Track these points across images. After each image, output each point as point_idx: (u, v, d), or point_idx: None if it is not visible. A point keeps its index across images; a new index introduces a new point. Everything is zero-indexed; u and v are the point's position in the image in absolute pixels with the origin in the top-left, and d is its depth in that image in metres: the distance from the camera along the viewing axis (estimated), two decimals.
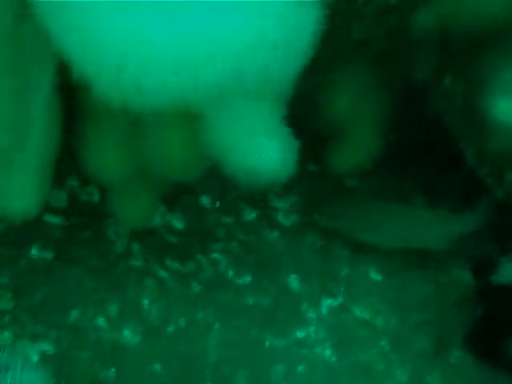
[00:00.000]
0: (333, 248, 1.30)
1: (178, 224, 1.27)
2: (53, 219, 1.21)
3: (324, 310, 1.22)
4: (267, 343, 1.16)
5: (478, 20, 1.15)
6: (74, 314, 1.13)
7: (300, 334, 1.18)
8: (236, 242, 1.28)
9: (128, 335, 1.13)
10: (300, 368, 1.13)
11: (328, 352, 1.16)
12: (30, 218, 0.97)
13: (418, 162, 1.40)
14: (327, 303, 1.23)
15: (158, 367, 1.11)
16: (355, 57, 1.26)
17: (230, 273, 1.24)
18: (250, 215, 1.32)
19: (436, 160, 1.38)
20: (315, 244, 1.31)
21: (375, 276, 1.27)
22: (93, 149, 1.03)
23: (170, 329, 1.15)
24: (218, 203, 1.27)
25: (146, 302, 1.16)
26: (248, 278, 1.23)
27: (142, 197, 1.10)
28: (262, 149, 0.90)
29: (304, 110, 1.21)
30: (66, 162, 1.25)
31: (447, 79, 1.27)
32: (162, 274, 1.20)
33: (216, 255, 1.25)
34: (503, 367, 1.18)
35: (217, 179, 1.33)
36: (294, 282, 1.24)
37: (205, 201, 1.32)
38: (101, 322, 1.13)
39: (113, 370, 1.09)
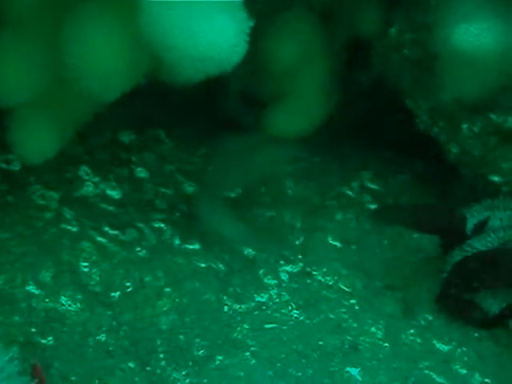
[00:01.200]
0: (283, 218, 1.19)
1: (114, 193, 1.13)
2: None
3: (283, 276, 1.09)
4: (226, 308, 1.02)
5: None
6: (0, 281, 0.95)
7: (261, 299, 1.04)
8: (179, 213, 1.15)
9: (66, 303, 0.96)
10: (268, 326, 0.99)
11: (295, 312, 1.03)
12: None
13: (366, 133, 1.32)
14: (286, 269, 1.10)
15: (103, 337, 0.94)
16: (299, 2, 1.18)
17: (176, 241, 1.10)
18: (190, 188, 1.20)
19: (386, 130, 1.31)
20: (263, 215, 1.19)
21: (334, 242, 1.16)
22: None
23: (115, 295, 0.99)
24: None
25: (84, 267, 1.00)
26: (197, 245, 1.09)
27: (48, 123, 0.93)
28: (211, 23, 0.77)
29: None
30: None
31: (393, 29, 1.20)
32: (100, 239, 1.05)
33: (159, 224, 1.11)
34: (475, 322, 1.08)
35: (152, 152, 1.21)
36: (247, 249, 1.11)
37: (141, 173, 1.19)
38: (32, 288, 0.95)
39: (50, 338, 0.92)
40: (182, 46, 0.77)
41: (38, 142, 0.95)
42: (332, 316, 1.04)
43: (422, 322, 1.08)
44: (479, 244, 1.11)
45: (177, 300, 1.01)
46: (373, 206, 1.26)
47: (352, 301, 1.08)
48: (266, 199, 1.23)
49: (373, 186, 1.29)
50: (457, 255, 1.12)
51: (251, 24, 0.79)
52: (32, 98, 0.90)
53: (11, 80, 0.89)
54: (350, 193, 1.27)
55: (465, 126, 1.17)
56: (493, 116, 1.14)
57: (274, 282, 1.09)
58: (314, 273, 1.12)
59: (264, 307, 1.04)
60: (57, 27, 0.85)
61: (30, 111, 0.94)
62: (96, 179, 1.14)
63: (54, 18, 0.85)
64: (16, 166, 1.10)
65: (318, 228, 1.19)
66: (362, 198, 1.26)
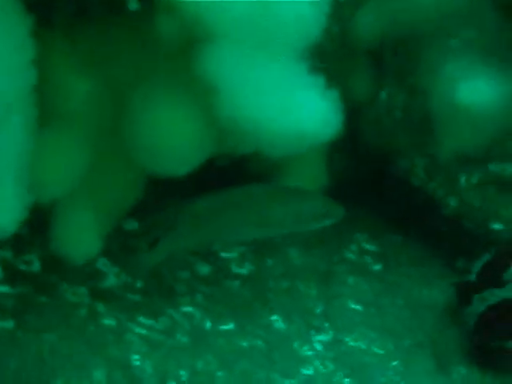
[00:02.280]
0: (298, 287, 1.19)
1: (136, 283, 1.11)
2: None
3: (318, 346, 1.09)
4: None
5: (413, 21, 1.14)
6: None
7: (307, 371, 1.04)
8: (201, 295, 1.13)
9: None
10: None
11: (347, 380, 1.03)
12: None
13: (355, 195, 1.34)
14: (319, 339, 1.10)
15: None
16: None
17: (208, 323, 1.08)
18: (204, 269, 1.19)
19: (375, 192, 1.33)
20: (280, 286, 1.19)
21: (354, 306, 1.18)
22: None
23: None
24: None
25: (135, 360, 0.96)
26: (231, 325, 1.08)
27: (92, 220, 0.91)
28: (299, 105, 0.78)
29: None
30: None
31: (383, 93, 1.25)
32: (140, 330, 1.02)
33: (187, 308, 1.10)
34: (509, 370, 1.11)
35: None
36: (277, 322, 1.11)
37: None
38: None
39: None
40: (272, 131, 0.77)
41: (82, 240, 0.91)
42: (384, 380, 1.04)
43: (457, 376, 1.09)
44: (500, 291, 1.14)
45: (231, 383, 0.99)
46: (377, 267, 1.27)
47: (393, 362, 1.09)
48: (277, 271, 1.23)
49: (371, 248, 1.31)
50: (479, 305, 1.14)
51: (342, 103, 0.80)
52: (73, 191, 0.88)
53: (53, 173, 0.86)
54: (351, 256, 1.29)
55: (463, 178, 1.21)
56: (491, 166, 1.19)
57: (311, 352, 1.09)
58: (346, 339, 1.12)
59: (314, 379, 1.03)
60: (113, 114, 0.83)
61: (71, 208, 0.91)
62: (115, 270, 1.11)
63: (108, 106, 0.84)
64: (36, 267, 1.05)
65: (334, 294, 1.19)
66: (364, 260, 1.28)
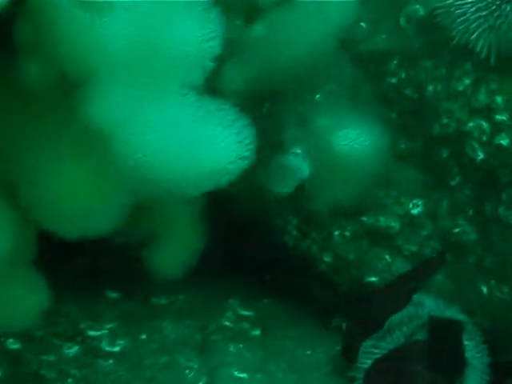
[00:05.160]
0: (178, 360, 1.12)
1: None
2: None
3: None
4: None
5: (276, 77, 1.13)
6: None
7: None
8: (72, 379, 1.04)
9: None
10: None
11: None
12: None
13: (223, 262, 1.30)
14: None
15: None
16: None
17: None
18: (71, 350, 1.10)
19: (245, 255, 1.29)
20: (159, 361, 1.12)
21: (240, 375, 1.13)
22: None
23: None
24: None
25: None
26: None
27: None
28: (206, 140, 0.72)
29: None
30: None
31: None
32: None
33: None
34: None
35: None
36: None
37: (12, 345, 1.07)
38: None
39: None
40: (183, 163, 0.70)
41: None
42: None
43: None
44: (385, 343, 1.12)
45: None
46: (255, 332, 1.23)
47: None
48: (152, 345, 1.15)
49: (246, 313, 1.26)
50: (366, 359, 1.12)
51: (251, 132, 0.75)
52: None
53: None
54: (228, 323, 1.24)
55: (336, 232, 1.19)
56: (364, 218, 1.18)
57: None
58: None
59: None
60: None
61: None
62: None
63: None
64: None
65: (216, 364, 1.13)
66: (241, 326, 1.23)
